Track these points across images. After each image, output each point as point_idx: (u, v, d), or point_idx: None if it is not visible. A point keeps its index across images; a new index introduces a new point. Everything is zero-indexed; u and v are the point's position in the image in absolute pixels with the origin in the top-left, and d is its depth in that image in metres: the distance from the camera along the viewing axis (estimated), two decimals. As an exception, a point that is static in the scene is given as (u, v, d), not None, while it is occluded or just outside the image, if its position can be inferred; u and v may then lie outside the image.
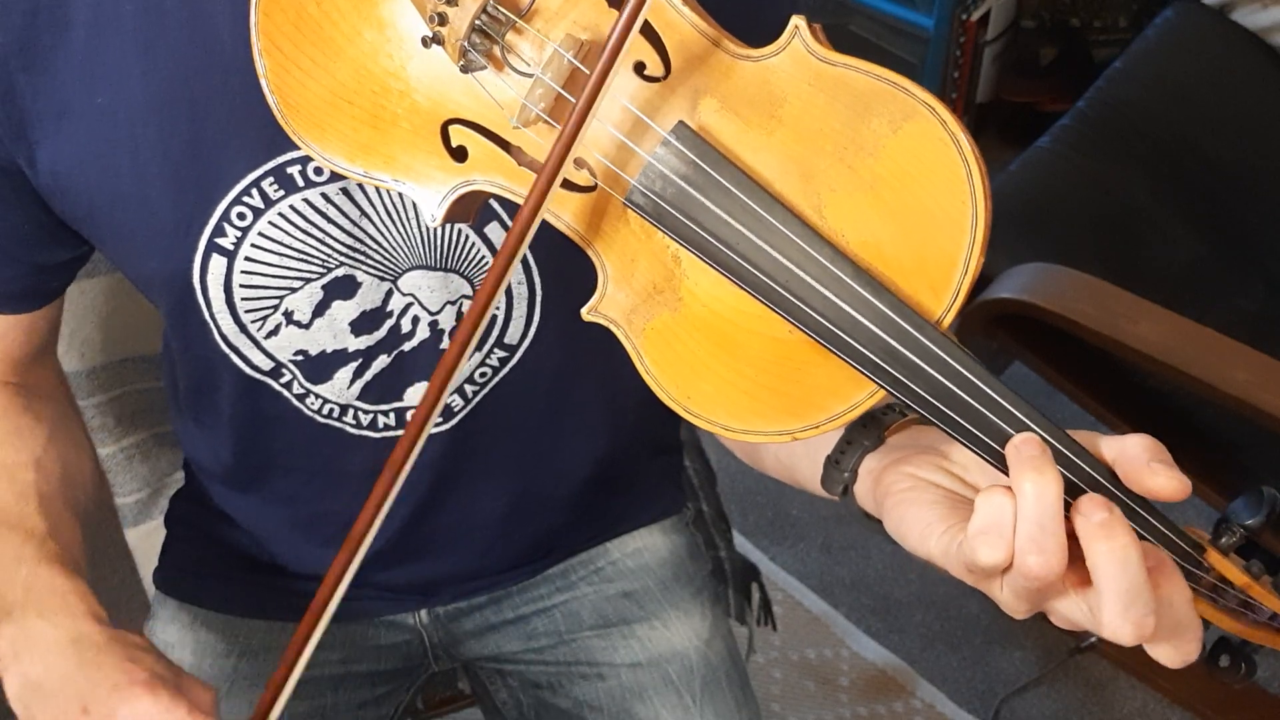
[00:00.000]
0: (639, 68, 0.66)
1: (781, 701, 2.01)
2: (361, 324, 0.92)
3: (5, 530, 0.90)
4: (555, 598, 1.18)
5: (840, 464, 0.78)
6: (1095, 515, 0.61)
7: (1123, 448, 0.64)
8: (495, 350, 0.95)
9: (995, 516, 0.62)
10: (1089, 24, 2.70)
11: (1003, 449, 0.63)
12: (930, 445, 0.74)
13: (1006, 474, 0.64)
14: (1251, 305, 1.83)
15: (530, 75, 0.67)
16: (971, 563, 0.63)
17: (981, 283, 1.53)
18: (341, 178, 0.82)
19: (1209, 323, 1.42)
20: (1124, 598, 0.60)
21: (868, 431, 0.78)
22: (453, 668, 1.26)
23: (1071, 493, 0.63)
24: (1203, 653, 0.67)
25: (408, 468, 0.71)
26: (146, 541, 1.31)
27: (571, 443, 1.07)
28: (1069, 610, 0.64)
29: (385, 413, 0.98)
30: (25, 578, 0.86)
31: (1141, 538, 0.64)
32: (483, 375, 0.97)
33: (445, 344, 0.94)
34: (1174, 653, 0.63)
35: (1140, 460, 0.63)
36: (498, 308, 0.93)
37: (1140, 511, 0.64)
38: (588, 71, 0.65)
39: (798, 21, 0.63)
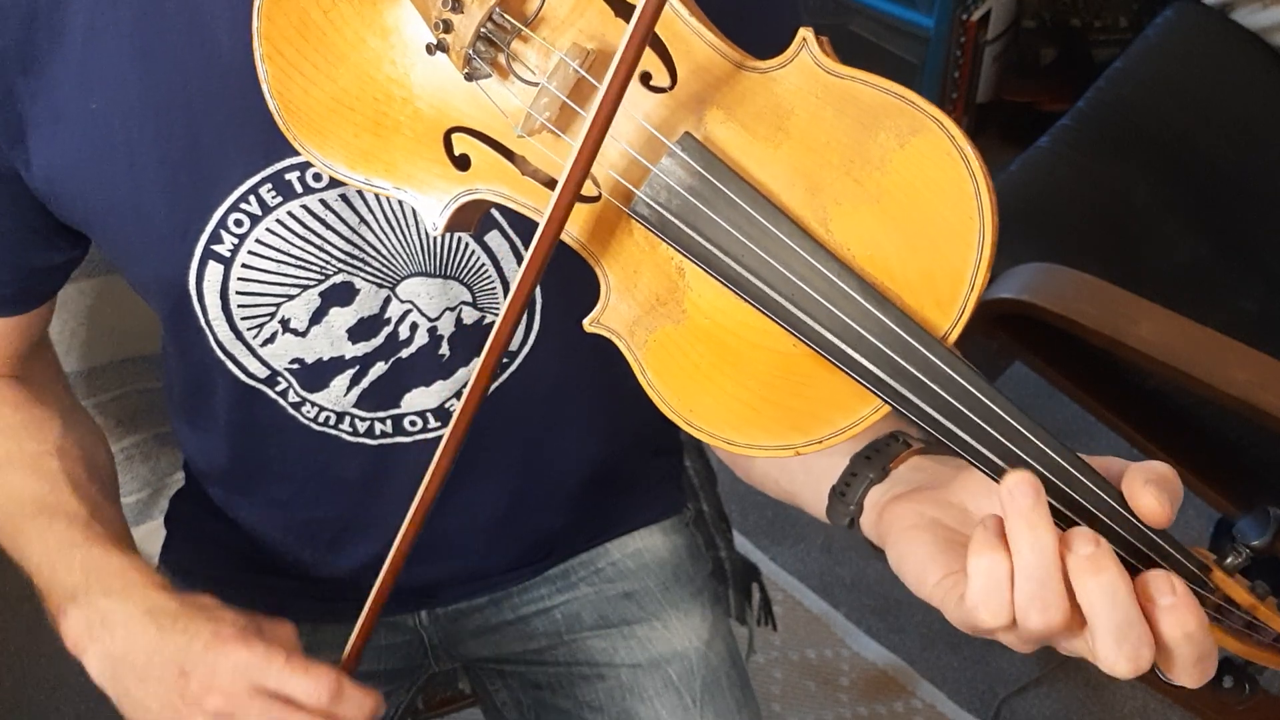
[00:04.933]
0: (645, 78, 0.66)
1: (782, 701, 2.01)
2: (359, 331, 0.92)
3: (47, 519, 0.91)
4: (555, 598, 1.18)
5: (846, 496, 0.78)
6: (1082, 549, 0.60)
7: (1131, 474, 0.64)
8: (500, 360, 0.95)
9: (991, 580, 0.62)
10: (1089, 24, 2.69)
11: (1006, 465, 0.63)
12: (933, 480, 0.74)
13: None
14: (1251, 305, 1.83)
15: (535, 84, 0.66)
16: (974, 626, 0.64)
17: (982, 283, 1.53)
18: (340, 184, 0.82)
19: (1209, 323, 1.41)
20: (1116, 632, 0.60)
21: (872, 464, 0.78)
22: (453, 668, 1.26)
23: (1078, 514, 0.63)
24: None
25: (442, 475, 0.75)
26: (146, 541, 1.30)
27: (571, 445, 1.07)
28: (1073, 646, 0.64)
29: (382, 420, 0.98)
30: (81, 561, 0.88)
31: (1149, 558, 0.64)
32: (488, 387, 0.97)
33: (444, 350, 0.94)
34: (1194, 676, 0.63)
35: (1137, 480, 0.63)
36: (497, 314, 0.92)
37: (1146, 530, 0.63)
38: (594, 81, 0.65)
39: (805, 34, 0.63)
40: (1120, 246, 1.86)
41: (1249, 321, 1.80)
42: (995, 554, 0.62)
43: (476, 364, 0.94)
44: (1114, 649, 0.60)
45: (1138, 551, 0.64)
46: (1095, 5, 2.68)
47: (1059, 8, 2.70)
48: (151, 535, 1.29)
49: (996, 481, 0.64)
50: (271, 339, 0.92)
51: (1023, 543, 0.61)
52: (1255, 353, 1.38)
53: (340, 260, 0.88)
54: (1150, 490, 0.62)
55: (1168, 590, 0.61)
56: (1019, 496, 0.61)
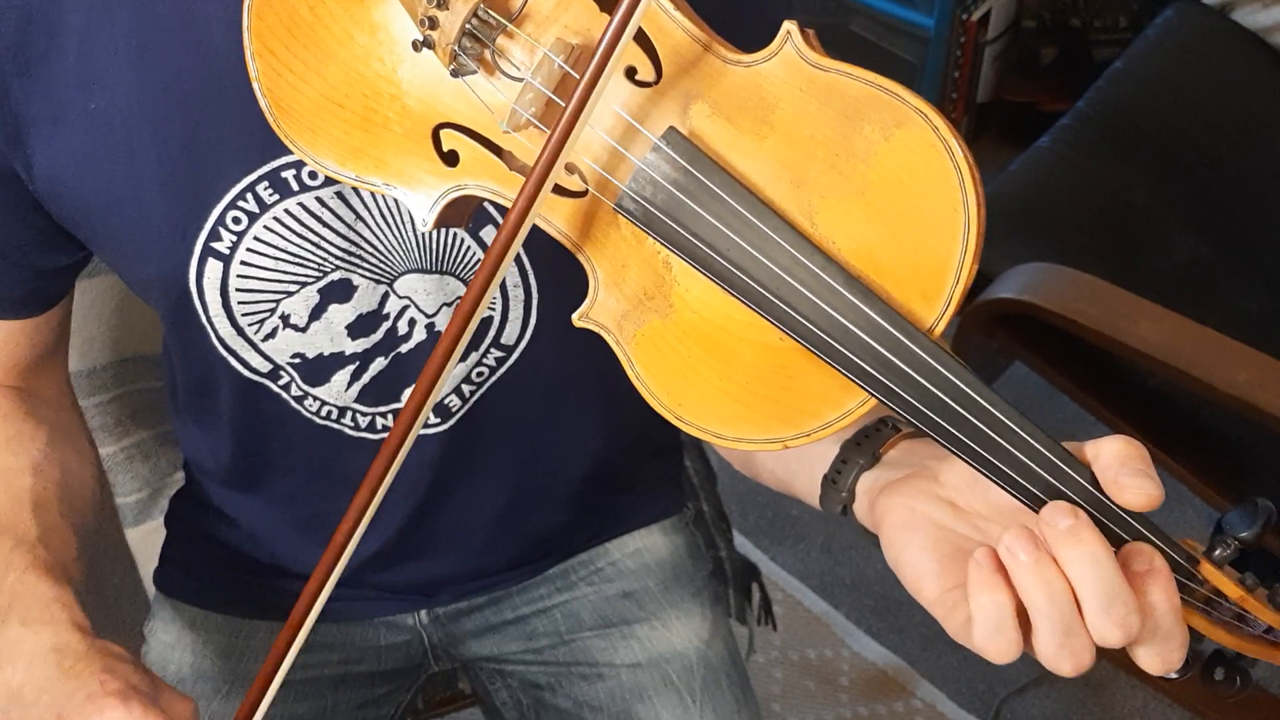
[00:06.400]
0: (630, 73, 0.66)
1: (781, 701, 2.01)
2: (358, 327, 0.92)
3: None
4: (555, 598, 1.18)
5: (837, 483, 0.78)
6: (1061, 522, 0.61)
7: (1098, 454, 0.64)
8: (492, 350, 0.95)
9: (996, 618, 0.62)
10: (1089, 24, 2.69)
11: (992, 458, 0.63)
12: (923, 465, 0.74)
13: (996, 482, 0.64)
14: (1251, 305, 1.83)
15: (520, 80, 0.67)
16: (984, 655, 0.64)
17: (981, 283, 1.53)
18: (335, 181, 0.83)
19: (1209, 323, 1.41)
20: (1103, 598, 0.60)
21: (862, 450, 0.78)
22: (453, 668, 1.26)
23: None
24: (1198, 665, 0.67)
25: (392, 474, 0.71)
26: (146, 541, 1.31)
27: (570, 442, 1.07)
28: None
29: (383, 414, 0.98)
30: (12, 584, 0.86)
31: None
32: (480, 375, 0.97)
33: (442, 346, 0.94)
34: (1157, 658, 0.63)
35: (1110, 473, 0.63)
36: (492, 308, 0.93)
37: (1134, 524, 0.63)
38: (578, 77, 0.65)
39: (789, 26, 0.63)
40: (1120, 246, 1.86)
41: (1249, 321, 1.80)
42: (993, 593, 0.62)
43: (470, 359, 0.95)
44: (1103, 616, 0.60)
45: (1125, 544, 0.64)
46: (1095, 5, 2.67)
47: (1059, 8, 2.69)
48: (151, 535, 1.29)
49: (983, 474, 0.64)
50: (272, 334, 0.92)
51: (1038, 595, 0.61)
52: (1255, 353, 1.38)
53: (337, 257, 0.89)
54: (1130, 483, 0.62)
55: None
56: (1021, 552, 0.61)
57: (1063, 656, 0.62)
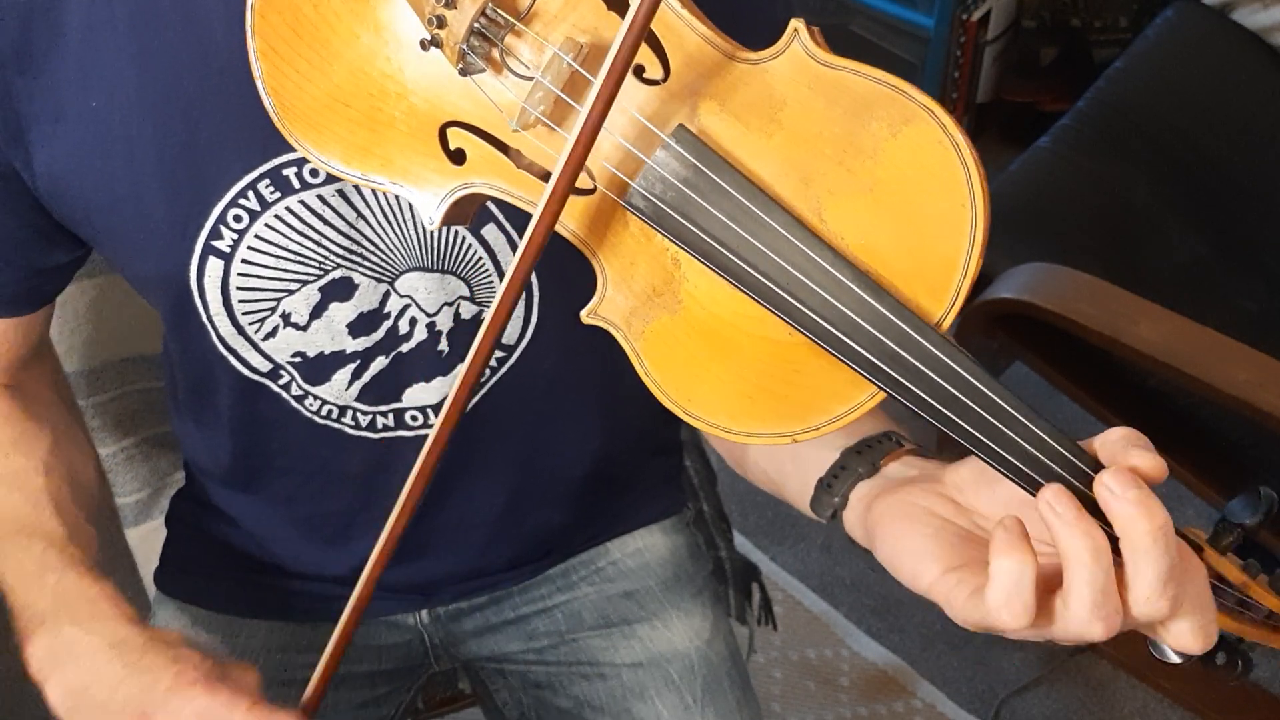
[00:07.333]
0: (639, 71, 0.66)
1: (782, 701, 2.01)
2: (359, 326, 0.92)
3: (25, 539, 0.90)
4: (556, 598, 1.18)
5: (832, 488, 0.78)
6: (1129, 491, 0.60)
7: (1103, 442, 0.64)
8: (493, 350, 0.95)
9: (1016, 582, 0.62)
10: (1089, 24, 2.70)
11: (1001, 450, 0.63)
12: (924, 475, 0.74)
13: (1003, 472, 0.64)
14: (1251, 305, 1.83)
15: (529, 78, 0.67)
16: (988, 626, 0.63)
17: (981, 282, 1.53)
18: (337, 179, 0.82)
19: (1209, 323, 1.42)
20: (1165, 575, 0.60)
21: (863, 459, 0.78)
22: (453, 667, 1.26)
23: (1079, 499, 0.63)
24: None
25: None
26: (146, 541, 1.31)
27: (570, 441, 1.07)
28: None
29: (384, 414, 0.98)
30: (53, 585, 0.86)
31: None
32: (481, 375, 0.97)
33: (443, 345, 0.94)
34: (1199, 632, 0.63)
35: (1114, 449, 0.63)
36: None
37: None
38: (587, 75, 0.65)
39: (797, 25, 0.63)
40: (1120, 246, 1.86)
41: (1249, 321, 1.80)
42: (1021, 555, 0.61)
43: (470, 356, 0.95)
44: (1160, 592, 0.60)
45: None
46: (1095, 5, 2.68)
47: (1059, 8, 2.70)
48: (151, 535, 1.29)
49: (992, 465, 0.64)
50: (273, 333, 0.92)
51: (1082, 551, 0.60)
52: (1255, 353, 1.38)
53: (338, 255, 0.88)
54: (1134, 454, 0.62)
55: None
56: (1058, 505, 0.61)
57: (1096, 618, 0.61)
